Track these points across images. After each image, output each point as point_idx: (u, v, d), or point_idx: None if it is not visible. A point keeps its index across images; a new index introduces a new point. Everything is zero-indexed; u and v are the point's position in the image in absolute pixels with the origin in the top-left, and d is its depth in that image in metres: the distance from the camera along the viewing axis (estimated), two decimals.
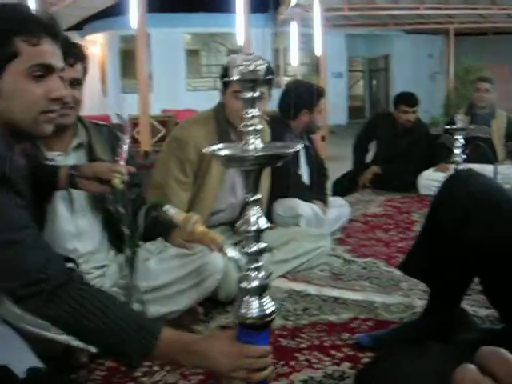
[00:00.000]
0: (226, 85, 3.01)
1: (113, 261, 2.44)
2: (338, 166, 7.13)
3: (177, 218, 1.73)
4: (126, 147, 2.13)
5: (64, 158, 2.28)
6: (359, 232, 4.34)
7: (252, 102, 1.34)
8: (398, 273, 2.77)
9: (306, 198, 3.82)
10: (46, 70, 1.55)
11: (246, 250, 1.40)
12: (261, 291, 1.42)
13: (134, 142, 8.78)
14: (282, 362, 2.12)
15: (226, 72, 2.98)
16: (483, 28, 19.33)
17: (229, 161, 1.37)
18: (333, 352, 2.22)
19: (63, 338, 1.57)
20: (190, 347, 1.46)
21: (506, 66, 21.40)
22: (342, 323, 2.52)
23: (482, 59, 17.69)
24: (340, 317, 2.58)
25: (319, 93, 4.16)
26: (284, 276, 3.19)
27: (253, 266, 1.42)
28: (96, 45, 21.71)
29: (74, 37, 21.01)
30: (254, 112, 1.34)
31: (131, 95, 14.00)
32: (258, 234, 1.39)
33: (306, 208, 3.72)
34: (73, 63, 2.22)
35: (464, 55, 17.75)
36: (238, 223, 1.40)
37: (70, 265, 2.06)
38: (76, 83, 2.27)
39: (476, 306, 2.58)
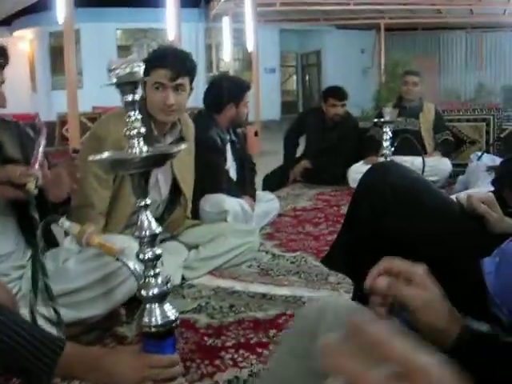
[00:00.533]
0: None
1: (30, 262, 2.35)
2: (271, 160, 7.14)
3: (72, 231, 1.66)
4: (41, 149, 2.04)
5: None
6: (288, 226, 4.32)
7: (133, 105, 1.30)
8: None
9: (234, 194, 3.77)
10: None
11: (141, 256, 1.35)
12: (162, 298, 1.37)
13: (63, 139, 8.62)
14: (206, 362, 2.07)
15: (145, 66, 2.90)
16: (413, 23, 19.70)
17: (113, 166, 1.34)
18: (259, 349, 2.18)
19: None
20: (94, 363, 1.41)
21: (433, 57, 21.92)
22: (269, 319, 2.48)
23: (412, 53, 18.01)
24: (267, 313, 2.54)
25: (245, 86, 4.11)
26: (211, 273, 3.13)
27: (151, 273, 1.37)
28: (25, 41, 21.24)
29: (3, 32, 20.32)
30: (136, 115, 1.30)
31: (61, 92, 13.70)
32: (152, 239, 1.35)
33: (232, 203, 3.67)
34: (4, 66, 2.14)
35: (394, 50, 18.04)
36: (133, 230, 1.37)
37: None
38: (2, 83, 2.18)
39: None
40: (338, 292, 2.77)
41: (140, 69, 1.29)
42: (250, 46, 13.03)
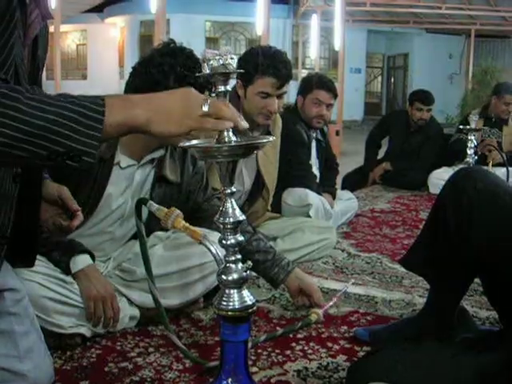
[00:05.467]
0: (247, 82, 2.98)
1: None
2: (351, 160, 7.13)
3: (158, 214, 1.71)
4: None
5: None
6: (366, 227, 4.33)
7: (224, 95, 1.35)
8: (401, 269, 2.76)
9: (315, 190, 3.79)
10: None
11: (224, 242, 1.41)
12: (240, 283, 1.42)
13: None
14: (277, 351, 2.11)
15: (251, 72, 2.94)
16: (505, 31, 19.21)
17: (204, 153, 1.39)
18: (329, 344, 2.20)
19: None
20: (144, 97, 1.29)
21: None
22: (341, 316, 2.50)
23: (503, 62, 17.59)
24: (340, 310, 2.56)
25: (316, 82, 4.02)
26: None
27: (232, 259, 1.42)
28: (116, 28, 21.75)
29: (95, 19, 20.91)
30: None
31: None
32: (236, 226, 1.41)
33: (315, 198, 3.69)
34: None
35: (484, 57, 17.66)
36: (216, 217, 1.41)
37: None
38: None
39: (477, 307, 2.58)
40: (412, 295, 2.76)
41: (233, 61, 1.34)
42: (338, 45, 12.97)
